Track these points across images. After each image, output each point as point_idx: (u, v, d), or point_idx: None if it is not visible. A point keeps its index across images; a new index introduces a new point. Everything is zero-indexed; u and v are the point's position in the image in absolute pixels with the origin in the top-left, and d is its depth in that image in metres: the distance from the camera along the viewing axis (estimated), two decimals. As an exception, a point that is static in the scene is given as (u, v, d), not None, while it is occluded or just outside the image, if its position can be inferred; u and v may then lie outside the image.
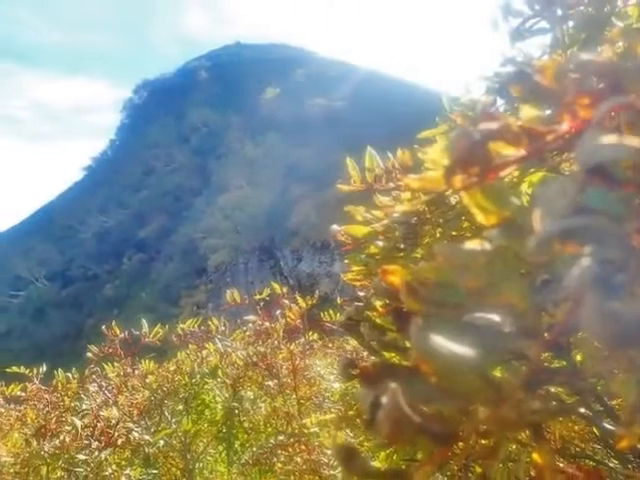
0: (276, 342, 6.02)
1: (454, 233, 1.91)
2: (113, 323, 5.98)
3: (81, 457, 4.70)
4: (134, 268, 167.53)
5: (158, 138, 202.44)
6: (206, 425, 6.65)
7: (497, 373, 0.82)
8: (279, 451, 5.45)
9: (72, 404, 5.83)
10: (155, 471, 5.73)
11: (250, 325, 6.46)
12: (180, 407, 6.37)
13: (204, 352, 6.56)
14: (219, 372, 6.69)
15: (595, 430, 2.45)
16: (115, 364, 6.37)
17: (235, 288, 5.85)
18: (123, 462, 5.54)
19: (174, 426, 6.02)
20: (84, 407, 5.60)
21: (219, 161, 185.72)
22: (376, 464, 2.78)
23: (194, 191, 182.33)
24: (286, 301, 5.89)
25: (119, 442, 5.15)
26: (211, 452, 6.83)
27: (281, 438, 5.53)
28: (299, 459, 5.25)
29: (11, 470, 5.36)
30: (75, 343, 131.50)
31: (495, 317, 0.66)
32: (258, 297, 6.03)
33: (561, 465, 1.34)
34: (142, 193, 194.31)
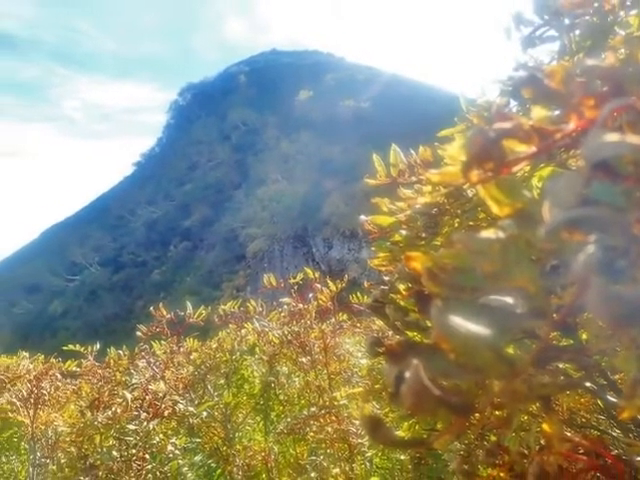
0: (309, 322, 6.04)
1: (471, 223, 1.91)
2: (160, 305, 6.02)
3: (131, 427, 4.73)
4: (179, 255, 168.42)
5: (201, 136, 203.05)
6: (245, 398, 6.67)
7: (510, 350, 0.83)
8: (311, 421, 5.47)
9: (123, 379, 5.87)
10: (198, 440, 5.76)
11: (285, 307, 6.48)
12: (221, 381, 6.40)
13: (243, 331, 6.59)
14: (257, 349, 6.71)
15: (599, 402, 2.45)
16: (162, 342, 6.41)
17: (271, 273, 5.87)
18: (169, 431, 5.57)
19: (216, 399, 6.05)
20: (134, 381, 5.63)
21: (257, 157, 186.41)
22: (400, 433, 2.79)
23: (234, 184, 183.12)
24: (318, 285, 5.90)
25: (166, 413, 5.18)
26: (249, 422, 6.86)
27: (313, 409, 5.55)
28: (330, 429, 5.27)
29: (67, 439, 5.41)
30: (125, 323, 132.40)
31: (508, 299, 0.66)
32: (292, 281, 6.06)
33: (568, 434, 1.34)
34: (187, 186, 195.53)
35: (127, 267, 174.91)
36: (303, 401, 6.54)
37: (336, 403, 5.35)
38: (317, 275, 5.86)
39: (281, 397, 6.79)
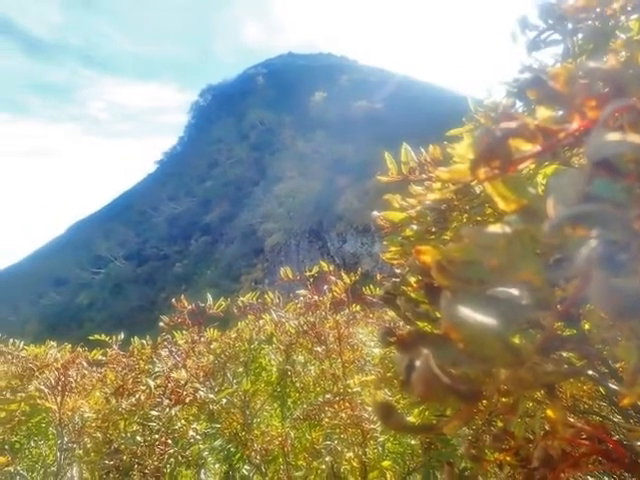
0: (324, 313, 6.07)
1: (478, 218, 1.91)
2: (182, 297, 6.05)
3: (154, 413, 4.76)
4: (200, 249, 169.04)
5: (221, 135, 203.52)
6: (263, 385, 6.71)
7: (516, 340, 0.83)
8: (326, 408, 5.50)
9: (146, 367, 5.90)
10: (218, 425, 5.79)
11: (301, 298, 6.51)
12: (240, 370, 6.43)
13: (261, 322, 6.62)
14: (274, 339, 6.74)
15: (601, 389, 2.45)
16: (184, 332, 6.44)
17: (288, 266, 5.89)
18: (190, 417, 5.61)
19: (235, 386, 6.08)
20: (156, 370, 5.66)
21: (274, 155, 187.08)
22: (410, 419, 2.80)
23: (252, 181, 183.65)
24: (332, 277, 5.92)
25: (187, 400, 5.21)
26: (267, 409, 6.89)
27: (328, 396, 5.58)
28: (344, 415, 5.30)
29: (93, 424, 5.44)
30: (148, 314, 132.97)
31: (514, 291, 0.67)
32: (308, 274, 6.08)
33: (571, 420, 1.34)
34: (207, 183, 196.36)
35: (150, 260, 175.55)
36: (318, 388, 6.56)
37: (350, 390, 5.37)
38: (331, 268, 5.87)
39: (297, 385, 6.81)
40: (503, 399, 0.78)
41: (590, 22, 2.06)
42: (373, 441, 5.79)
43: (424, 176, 2.20)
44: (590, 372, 1.73)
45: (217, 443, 5.85)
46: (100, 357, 6.39)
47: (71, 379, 6.08)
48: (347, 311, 6.17)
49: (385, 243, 2.14)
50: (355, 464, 5.64)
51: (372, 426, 5.36)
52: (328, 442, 5.89)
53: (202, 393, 5.29)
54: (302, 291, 6.20)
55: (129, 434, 4.93)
